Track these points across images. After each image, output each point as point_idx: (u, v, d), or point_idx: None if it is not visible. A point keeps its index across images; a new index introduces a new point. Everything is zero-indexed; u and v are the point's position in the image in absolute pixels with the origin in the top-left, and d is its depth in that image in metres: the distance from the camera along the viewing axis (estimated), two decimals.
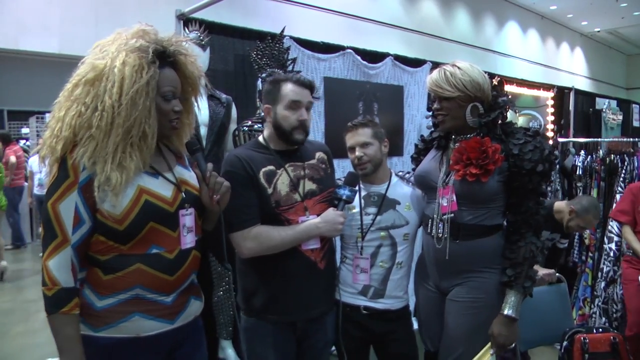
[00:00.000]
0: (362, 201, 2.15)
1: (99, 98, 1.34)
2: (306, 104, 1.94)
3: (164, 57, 1.45)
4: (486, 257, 1.92)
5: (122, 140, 1.35)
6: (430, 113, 2.11)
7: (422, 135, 2.25)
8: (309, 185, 1.94)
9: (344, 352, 2.14)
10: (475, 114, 1.90)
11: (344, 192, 1.91)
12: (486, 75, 1.96)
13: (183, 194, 1.50)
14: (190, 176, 1.58)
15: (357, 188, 1.91)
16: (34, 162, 7.37)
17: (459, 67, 1.90)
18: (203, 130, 2.77)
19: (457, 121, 1.92)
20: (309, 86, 1.96)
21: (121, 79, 1.33)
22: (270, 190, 1.88)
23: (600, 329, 2.75)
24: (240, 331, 1.94)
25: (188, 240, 1.49)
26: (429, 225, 2.02)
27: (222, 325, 3.01)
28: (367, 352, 2.25)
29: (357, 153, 2.12)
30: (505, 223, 1.98)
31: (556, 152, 1.85)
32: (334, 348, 2.20)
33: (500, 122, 1.93)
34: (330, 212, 1.89)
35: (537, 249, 1.89)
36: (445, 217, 1.93)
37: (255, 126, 2.90)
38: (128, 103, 1.33)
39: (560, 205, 3.25)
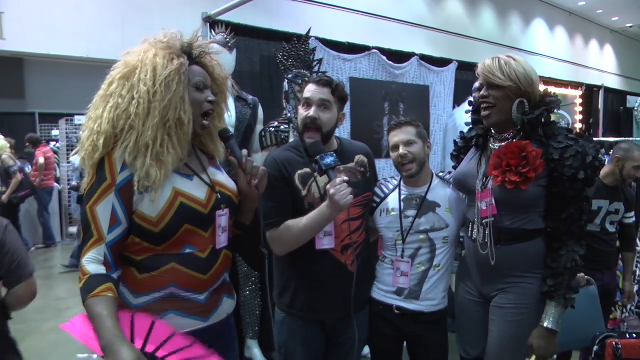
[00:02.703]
0: (402, 204, 2.12)
1: (134, 88, 1.38)
2: (317, 101, 1.89)
3: (191, 57, 1.49)
4: (529, 262, 1.86)
5: (161, 125, 1.38)
6: (471, 109, 2.04)
7: (462, 132, 2.18)
8: None
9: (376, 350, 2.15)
10: (520, 110, 1.81)
11: (330, 160, 1.74)
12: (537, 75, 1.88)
13: (218, 194, 1.51)
14: (223, 177, 1.59)
15: (327, 153, 1.74)
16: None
17: (514, 59, 1.84)
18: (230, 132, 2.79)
19: (503, 115, 1.83)
20: (327, 83, 1.92)
21: (154, 67, 1.38)
22: (304, 192, 1.89)
23: (635, 334, 2.68)
24: (275, 325, 1.99)
25: (222, 240, 1.52)
26: (470, 229, 1.97)
27: (249, 325, 3.03)
28: (400, 350, 2.23)
29: (402, 151, 2.06)
30: (547, 228, 1.91)
31: (601, 157, 1.81)
32: (368, 351, 2.21)
33: (543, 121, 1.85)
34: (328, 189, 1.74)
35: (580, 257, 1.82)
36: (485, 221, 1.87)
37: (282, 127, 2.91)
38: (162, 86, 1.37)
39: (605, 169, 3.16)
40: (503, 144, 1.86)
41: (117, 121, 1.37)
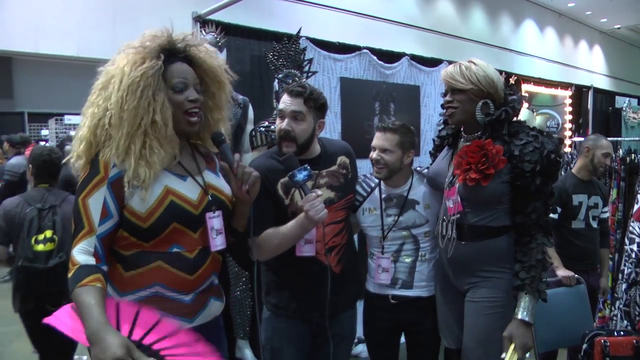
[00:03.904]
0: (383, 203, 2.17)
1: (108, 99, 1.39)
2: (289, 113, 1.87)
3: (173, 54, 1.47)
4: (497, 258, 1.92)
5: (133, 131, 1.38)
6: (444, 111, 2.11)
7: (439, 131, 2.25)
8: (327, 194, 1.93)
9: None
10: (485, 110, 1.90)
11: (302, 175, 1.71)
12: (500, 76, 1.96)
13: (210, 197, 1.51)
14: (218, 182, 1.58)
15: (301, 167, 1.73)
16: None
17: (474, 63, 1.92)
18: None
19: (466, 115, 1.92)
20: (299, 94, 1.88)
21: (121, 77, 1.38)
22: (287, 202, 1.90)
23: (622, 332, 2.70)
24: (261, 322, 2.00)
25: (218, 242, 1.51)
26: (439, 226, 2.04)
27: (239, 325, 3.03)
28: (397, 344, 2.27)
29: (375, 156, 2.13)
30: (514, 224, 1.96)
31: (567, 151, 1.86)
32: (360, 351, 2.22)
33: (507, 121, 1.91)
34: (302, 205, 1.75)
35: (546, 250, 1.89)
36: (452, 218, 1.94)
37: (272, 127, 2.90)
38: (127, 94, 1.37)
39: (577, 164, 3.21)
40: (469, 143, 1.94)
41: (96, 130, 1.39)
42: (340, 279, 1.96)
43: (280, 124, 1.89)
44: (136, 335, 1.25)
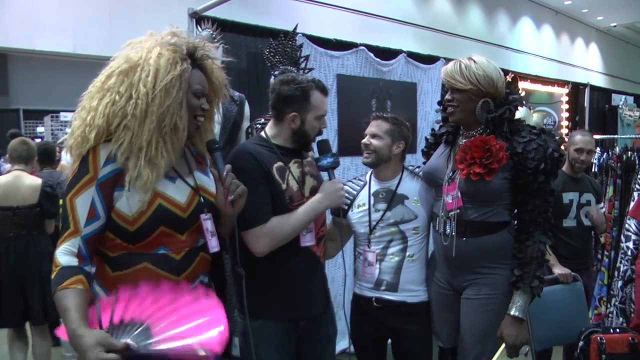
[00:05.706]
0: (372, 198, 2.16)
1: (133, 87, 1.37)
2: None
3: (193, 59, 1.48)
4: (496, 254, 1.92)
5: (156, 130, 1.37)
6: (441, 107, 2.11)
7: (433, 129, 2.26)
8: (311, 182, 1.94)
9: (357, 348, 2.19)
10: (485, 109, 1.90)
11: (326, 161, 1.88)
12: (501, 72, 1.95)
13: (201, 198, 1.50)
14: (208, 183, 1.58)
15: (334, 152, 1.92)
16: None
17: (474, 61, 1.90)
18: (216, 129, 2.77)
19: (466, 114, 1.93)
20: (328, 92, 1.99)
21: (156, 69, 1.37)
22: (284, 186, 1.86)
23: (618, 329, 2.71)
24: (239, 335, 1.94)
25: (214, 244, 1.51)
26: (437, 222, 2.03)
27: (236, 323, 3.02)
28: (383, 349, 2.24)
29: (365, 140, 2.15)
30: (513, 220, 1.98)
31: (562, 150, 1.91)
32: (351, 347, 2.21)
33: (508, 119, 1.93)
34: (326, 184, 1.87)
35: (545, 247, 1.90)
36: (451, 213, 1.94)
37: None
38: (162, 91, 1.36)
39: (566, 163, 3.18)
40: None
41: (112, 118, 1.36)
42: (323, 270, 2.00)
43: (321, 123, 1.93)
44: (134, 312, 1.27)
